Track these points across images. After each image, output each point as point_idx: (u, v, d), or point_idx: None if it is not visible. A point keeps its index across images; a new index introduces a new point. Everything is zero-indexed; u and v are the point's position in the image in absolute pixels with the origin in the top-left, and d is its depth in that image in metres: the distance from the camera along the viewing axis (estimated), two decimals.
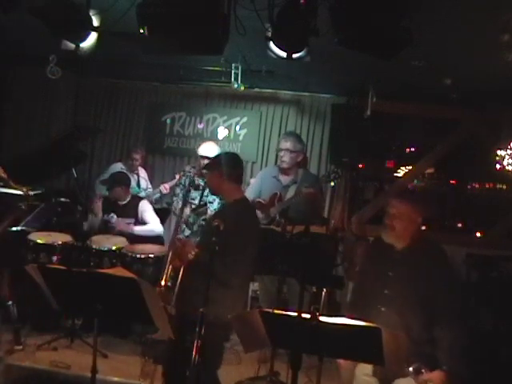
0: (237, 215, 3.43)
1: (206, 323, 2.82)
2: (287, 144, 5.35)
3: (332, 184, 5.30)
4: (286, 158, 5.33)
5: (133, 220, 5.69)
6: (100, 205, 5.79)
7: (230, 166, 3.57)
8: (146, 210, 5.78)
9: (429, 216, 3.21)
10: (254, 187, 5.56)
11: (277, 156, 7.44)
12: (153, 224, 5.72)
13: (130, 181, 5.93)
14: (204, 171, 3.75)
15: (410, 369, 2.92)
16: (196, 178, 5.77)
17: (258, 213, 5.29)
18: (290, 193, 5.28)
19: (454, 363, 2.90)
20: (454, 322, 2.96)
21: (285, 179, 5.39)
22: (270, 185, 5.40)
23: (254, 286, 5.82)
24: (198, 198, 5.64)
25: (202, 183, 5.61)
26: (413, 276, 3.08)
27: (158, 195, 6.63)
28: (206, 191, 5.37)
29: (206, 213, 5.68)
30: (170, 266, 3.62)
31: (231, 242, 3.20)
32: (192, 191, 5.69)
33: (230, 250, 3.20)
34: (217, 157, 3.93)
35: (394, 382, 3.04)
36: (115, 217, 5.67)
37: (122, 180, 5.79)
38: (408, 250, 3.17)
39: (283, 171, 5.39)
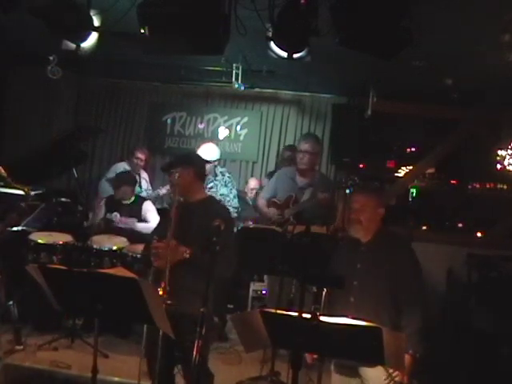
0: (212, 212, 3.47)
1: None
2: (306, 146, 5.33)
3: (347, 191, 5.30)
4: (306, 160, 5.31)
5: (135, 220, 5.70)
6: (102, 206, 5.81)
7: (201, 166, 3.68)
8: (150, 210, 5.81)
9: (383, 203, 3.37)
10: (270, 186, 5.57)
11: (277, 156, 7.47)
12: (154, 223, 5.73)
13: (136, 180, 5.97)
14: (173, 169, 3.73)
15: None
16: None
17: (273, 211, 5.31)
18: (306, 195, 5.29)
19: (417, 346, 3.00)
20: (415, 307, 3.07)
21: (301, 181, 5.38)
22: (285, 185, 5.40)
23: (254, 286, 5.82)
24: None
25: None
26: (378, 267, 3.20)
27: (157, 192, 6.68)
28: None
29: None
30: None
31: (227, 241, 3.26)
32: None
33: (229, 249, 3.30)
34: (188, 155, 4.01)
35: (362, 370, 3.11)
36: (118, 216, 5.68)
37: (129, 179, 5.83)
38: (373, 242, 3.29)
39: (300, 173, 5.38)
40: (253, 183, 6.74)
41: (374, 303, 3.14)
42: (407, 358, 2.92)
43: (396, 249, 3.26)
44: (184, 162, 3.67)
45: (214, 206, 3.66)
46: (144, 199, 5.98)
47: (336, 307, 3.14)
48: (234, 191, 6.06)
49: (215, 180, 5.85)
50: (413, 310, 3.07)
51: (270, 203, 5.34)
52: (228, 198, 5.91)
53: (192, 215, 3.41)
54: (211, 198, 3.79)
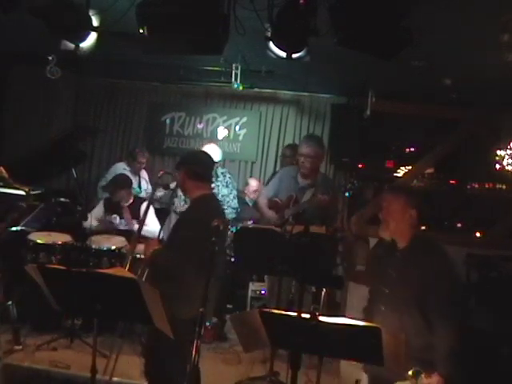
0: (190, 213, 3.56)
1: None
2: (308, 150, 5.26)
3: (347, 195, 5.25)
4: (307, 164, 5.24)
5: (134, 221, 5.70)
6: (101, 205, 5.82)
7: (192, 164, 3.64)
8: (148, 212, 5.79)
9: (420, 209, 3.15)
10: (272, 185, 5.56)
11: (276, 156, 7.47)
12: (151, 226, 5.73)
13: (132, 183, 5.96)
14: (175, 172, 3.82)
15: (409, 372, 2.89)
16: None
17: (273, 214, 5.31)
18: (307, 196, 5.27)
19: (450, 367, 2.85)
20: (448, 324, 2.89)
21: (302, 181, 5.37)
22: (287, 184, 5.38)
23: (253, 286, 5.83)
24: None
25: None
26: (411, 276, 3.03)
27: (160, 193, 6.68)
28: None
29: None
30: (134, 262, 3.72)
31: (179, 238, 3.36)
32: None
33: (177, 246, 3.36)
34: (183, 156, 3.98)
35: None
36: (118, 218, 5.69)
37: (125, 183, 5.81)
38: (408, 249, 3.12)
39: (302, 174, 5.37)
40: (253, 184, 6.73)
41: (402, 314, 2.99)
42: (438, 378, 2.79)
43: (431, 257, 3.03)
44: (178, 163, 3.76)
45: (196, 205, 3.63)
46: (142, 200, 5.98)
47: (370, 316, 3.02)
48: (234, 192, 6.07)
49: (216, 181, 5.86)
50: (444, 325, 2.88)
51: (272, 202, 5.33)
52: (228, 199, 5.92)
53: (179, 216, 3.46)
54: (201, 197, 3.63)
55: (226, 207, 5.69)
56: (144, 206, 5.80)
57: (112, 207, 5.77)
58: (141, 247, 5.22)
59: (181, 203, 5.86)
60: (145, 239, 4.07)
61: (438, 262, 3.04)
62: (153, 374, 3.56)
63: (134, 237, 3.98)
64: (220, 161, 6.04)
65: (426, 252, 3.07)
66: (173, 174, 3.98)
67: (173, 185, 5.64)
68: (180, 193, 5.90)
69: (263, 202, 5.40)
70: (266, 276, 5.65)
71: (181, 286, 3.31)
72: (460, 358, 2.87)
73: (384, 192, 3.37)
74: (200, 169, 3.66)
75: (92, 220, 5.51)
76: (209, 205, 3.62)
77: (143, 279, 3.43)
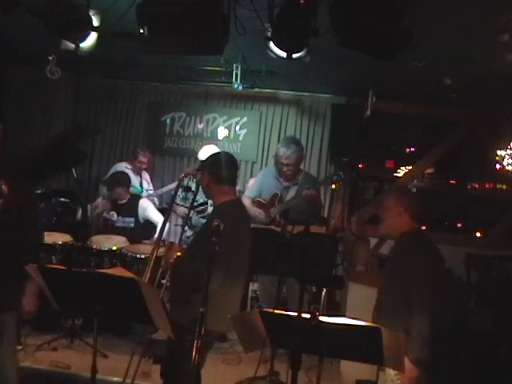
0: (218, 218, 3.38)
1: (179, 327, 2.78)
2: (288, 160, 5.17)
3: (333, 187, 5.22)
4: (289, 172, 5.23)
5: (133, 219, 5.72)
6: (106, 202, 5.85)
7: (217, 168, 3.43)
8: (147, 208, 5.83)
9: (413, 209, 3.29)
10: (255, 186, 5.56)
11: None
12: (158, 218, 5.78)
13: (130, 181, 5.96)
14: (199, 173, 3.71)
15: None
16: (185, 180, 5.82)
17: (261, 211, 5.30)
18: (291, 193, 5.28)
19: (418, 352, 2.95)
20: (421, 309, 2.99)
21: (285, 181, 5.38)
22: (270, 185, 5.39)
23: (253, 286, 5.83)
24: (191, 199, 5.72)
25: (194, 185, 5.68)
26: (394, 268, 3.24)
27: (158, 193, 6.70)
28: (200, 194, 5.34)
29: (205, 211, 5.72)
30: (155, 269, 3.60)
31: (204, 247, 3.02)
32: (181, 192, 5.86)
33: (201, 255, 3.03)
34: (208, 158, 3.77)
35: None
36: (116, 215, 5.71)
37: (122, 180, 5.83)
38: (396, 243, 3.31)
39: (285, 178, 5.35)
40: None
41: (386, 305, 3.17)
42: (406, 362, 2.85)
43: (410, 249, 3.20)
44: (200, 168, 3.68)
45: (224, 211, 3.37)
46: (139, 197, 6.00)
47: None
48: None
49: None
50: (419, 312, 2.99)
51: (255, 203, 5.33)
52: None
53: (207, 223, 3.33)
54: (229, 202, 3.45)
55: None
56: (141, 203, 5.84)
57: (110, 204, 5.78)
58: (141, 247, 5.30)
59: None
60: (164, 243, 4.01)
61: (415, 250, 3.18)
62: (171, 375, 3.52)
63: (156, 242, 3.94)
64: None
65: (407, 243, 3.23)
66: (196, 175, 3.83)
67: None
68: (179, 193, 5.92)
69: (248, 203, 5.39)
70: (256, 276, 5.61)
71: (201, 295, 3.25)
72: (433, 345, 2.98)
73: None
74: (226, 172, 3.45)
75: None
76: (234, 211, 3.41)
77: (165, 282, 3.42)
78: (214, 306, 2.94)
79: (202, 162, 3.73)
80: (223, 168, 3.44)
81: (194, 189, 5.73)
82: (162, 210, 6.35)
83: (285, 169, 5.24)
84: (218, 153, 4.12)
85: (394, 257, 3.34)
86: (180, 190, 5.90)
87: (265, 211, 5.27)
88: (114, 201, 5.78)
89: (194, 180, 5.81)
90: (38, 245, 3.60)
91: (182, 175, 4.47)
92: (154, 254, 3.67)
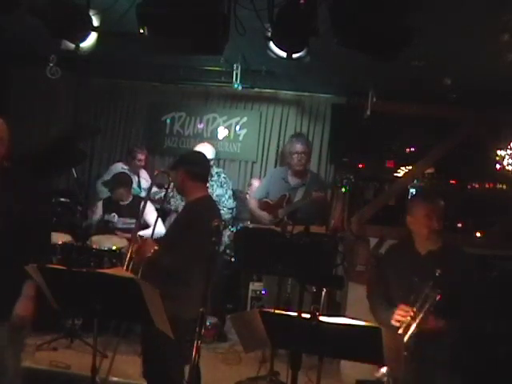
0: (190, 213, 3.53)
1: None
2: (302, 147, 5.31)
3: (343, 190, 5.26)
4: (302, 161, 5.30)
5: (134, 220, 5.70)
6: (99, 206, 5.81)
7: (192, 165, 3.63)
8: (149, 211, 5.80)
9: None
10: (262, 187, 5.57)
11: (276, 156, 7.46)
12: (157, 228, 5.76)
13: (132, 182, 5.96)
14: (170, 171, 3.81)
15: None
16: None
17: (265, 214, 5.30)
18: (299, 195, 5.29)
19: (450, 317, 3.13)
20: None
21: (293, 181, 5.38)
22: (278, 186, 5.40)
23: (253, 286, 5.83)
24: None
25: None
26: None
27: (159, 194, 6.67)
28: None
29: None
30: (131, 262, 3.65)
31: (182, 240, 3.32)
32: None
33: (180, 248, 3.32)
34: (181, 156, 3.95)
35: None
36: (117, 217, 5.69)
37: (124, 181, 5.82)
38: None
39: (294, 173, 5.37)
40: (256, 184, 6.69)
41: None
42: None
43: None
44: (177, 163, 3.75)
45: (198, 206, 3.58)
46: (142, 198, 5.98)
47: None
48: (230, 192, 6.05)
49: (211, 181, 5.83)
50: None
51: (262, 203, 5.34)
52: (223, 199, 5.90)
53: (177, 217, 3.45)
54: (202, 198, 3.63)
55: (221, 207, 5.69)
56: (142, 205, 5.84)
57: (111, 206, 5.77)
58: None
59: (181, 203, 5.85)
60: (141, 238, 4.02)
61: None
62: (152, 375, 3.55)
63: (133, 236, 3.97)
64: (212, 159, 6.01)
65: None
66: (169, 173, 3.96)
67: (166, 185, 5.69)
68: (175, 192, 5.91)
69: (254, 204, 5.40)
70: (263, 276, 5.64)
71: (183, 287, 3.33)
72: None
73: None
74: (200, 170, 3.67)
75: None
76: (209, 206, 3.64)
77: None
78: (186, 297, 3.23)
79: (176, 160, 3.85)
80: (198, 165, 3.66)
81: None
82: (161, 210, 6.35)
83: (298, 157, 5.28)
84: (193, 151, 4.22)
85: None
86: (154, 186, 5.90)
87: (272, 212, 5.27)
88: (115, 202, 5.76)
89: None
90: (47, 246, 3.57)
91: (156, 172, 4.56)
92: (130, 250, 3.72)
